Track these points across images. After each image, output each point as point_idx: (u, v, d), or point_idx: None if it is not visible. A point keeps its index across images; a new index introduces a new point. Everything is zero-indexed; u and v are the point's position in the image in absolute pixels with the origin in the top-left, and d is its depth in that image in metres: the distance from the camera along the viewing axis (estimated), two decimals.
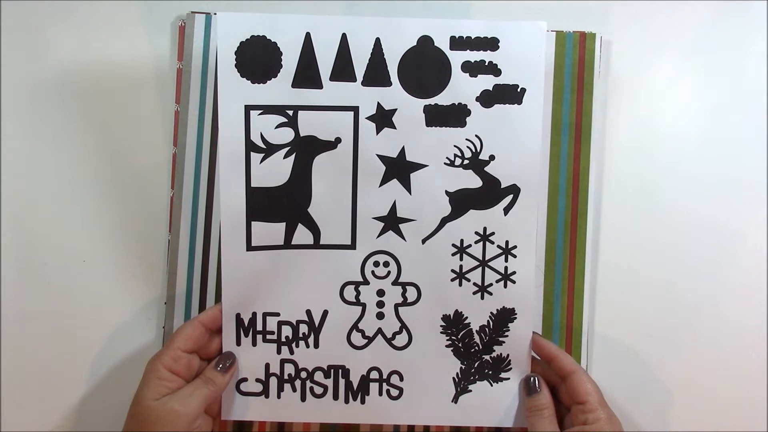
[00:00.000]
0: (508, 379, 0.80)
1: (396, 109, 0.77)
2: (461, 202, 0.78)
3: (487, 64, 0.77)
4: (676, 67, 0.84)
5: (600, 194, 0.84)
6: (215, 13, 0.80)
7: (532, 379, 0.78)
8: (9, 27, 0.83)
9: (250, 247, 0.78)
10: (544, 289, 0.82)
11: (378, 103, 0.77)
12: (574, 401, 0.75)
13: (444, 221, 0.78)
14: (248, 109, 0.76)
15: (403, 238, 0.78)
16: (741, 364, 0.84)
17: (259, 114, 0.76)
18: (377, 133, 0.77)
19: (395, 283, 0.79)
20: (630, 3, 0.84)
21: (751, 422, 0.84)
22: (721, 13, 0.84)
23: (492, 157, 0.77)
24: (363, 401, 0.80)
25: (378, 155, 0.77)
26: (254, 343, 0.79)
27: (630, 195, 0.84)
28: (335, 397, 0.80)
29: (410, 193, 0.78)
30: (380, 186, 0.78)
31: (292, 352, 0.80)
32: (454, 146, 0.77)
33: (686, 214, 0.84)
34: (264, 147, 0.77)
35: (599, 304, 0.84)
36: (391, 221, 0.78)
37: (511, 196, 0.78)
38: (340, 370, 0.80)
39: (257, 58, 0.76)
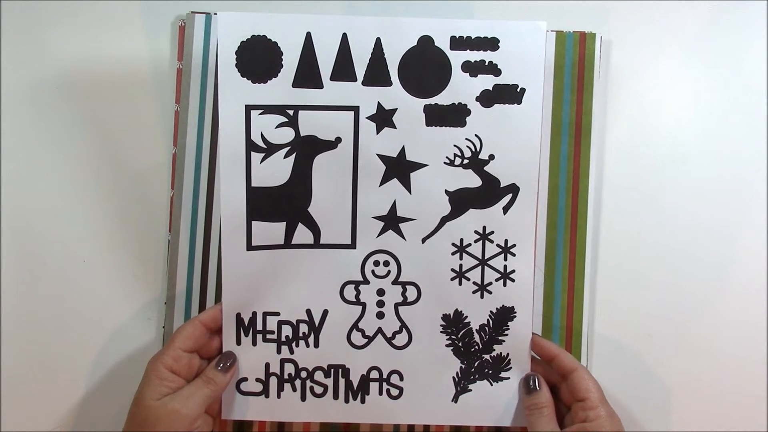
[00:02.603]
0: (509, 378, 0.80)
1: (396, 109, 0.77)
2: (461, 201, 0.78)
3: (487, 64, 0.77)
4: (676, 67, 0.84)
5: (600, 194, 0.84)
6: (215, 13, 0.80)
7: (531, 377, 0.78)
8: (9, 27, 0.83)
9: (250, 247, 0.78)
10: (544, 289, 0.82)
11: (378, 102, 0.77)
12: (575, 398, 0.75)
13: (444, 220, 0.78)
14: (248, 108, 0.76)
15: (403, 238, 0.79)
16: (741, 364, 0.84)
17: (260, 114, 0.77)
18: (377, 133, 0.77)
19: (395, 282, 0.79)
20: (630, 3, 0.84)
21: (751, 422, 0.84)
22: (721, 12, 0.84)
23: (491, 157, 0.78)
24: (363, 401, 0.80)
25: (378, 155, 0.78)
26: (254, 343, 0.79)
27: (630, 195, 0.84)
28: (335, 396, 0.80)
29: (410, 193, 0.78)
30: (380, 185, 0.78)
31: (292, 352, 0.80)
32: (454, 146, 0.78)
33: (686, 214, 0.84)
34: (264, 147, 0.77)
35: (599, 304, 0.84)
36: (391, 221, 0.78)
37: (510, 195, 0.78)
38: (340, 370, 0.80)
39: (258, 58, 0.76)
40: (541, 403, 0.77)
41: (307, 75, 0.77)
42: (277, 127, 0.77)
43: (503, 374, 0.80)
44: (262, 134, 0.77)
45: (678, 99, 0.84)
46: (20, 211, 0.83)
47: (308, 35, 0.76)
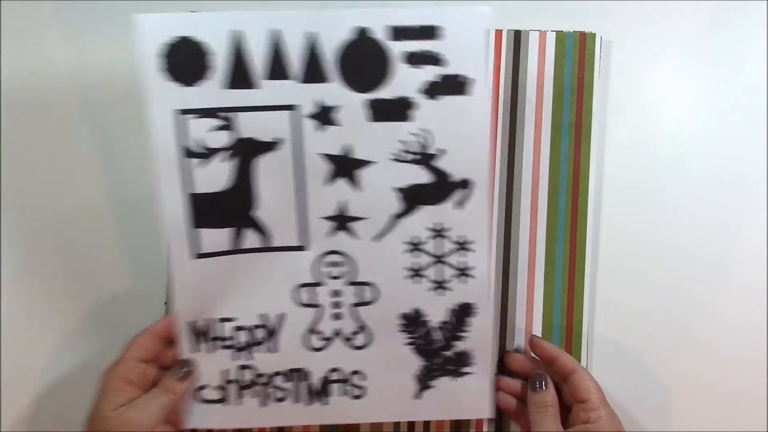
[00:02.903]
0: (472, 373, 0.79)
1: (337, 106, 0.74)
2: (412, 198, 0.76)
3: (430, 54, 0.73)
4: (676, 67, 0.84)
5: (600, 194, 0.84)
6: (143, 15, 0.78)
7: (538, 376, 0.78)
8: (9, 27, 0.84)
9: (198, 255, 0.76)
10: (544, 290, 0.83)
11: (318, 100, 0.74)
12: (575, 400, 0.75)
13: (396, 218, 0.76)
14: (180, 113, 0.74)
15: (356, 237, 0.77)
16: (741, 364, 0.84)
17: (193, 118, 0.74)
18: (320, 132, 0.75)
19: (351, 283, 0.78)
20: (630, 3, 0.84)
21: (751, 422, 0.83)
22: (721, 12, 0.84)
23: (441, 151, 0.75)
24: (325, 402, 0.79)
25: (322, 154, 0.75)
26: (211, 350, 0.78)
27: (630, 195, 0.84)
28: (296, 400, 0.79)
29: (359, 191, 0.76)
30: (327, 185, 0.75)
31: (250, 358, 0.79)
32: (401, 141, 0.75)
33: (686, 214, 0.84)
34: (201, 152, 0.74)
35: (599, 304, 0.84)
36: (342, 220, 0.76)
37: (462, 191, 0.76)
38: (300, 373, 0.79)
39: (184, 61, 0.73)
40: (547, 401, 0.76)
41: (240, 76, 0.74)
42: (212, 131, 0.74)
43: (465, 369, 0.79)
44: (197, 139, 0.74)
45: (678, 99, 0.84)
46: (20, 211, 0.84)
47: (235, 34, 0.73)
